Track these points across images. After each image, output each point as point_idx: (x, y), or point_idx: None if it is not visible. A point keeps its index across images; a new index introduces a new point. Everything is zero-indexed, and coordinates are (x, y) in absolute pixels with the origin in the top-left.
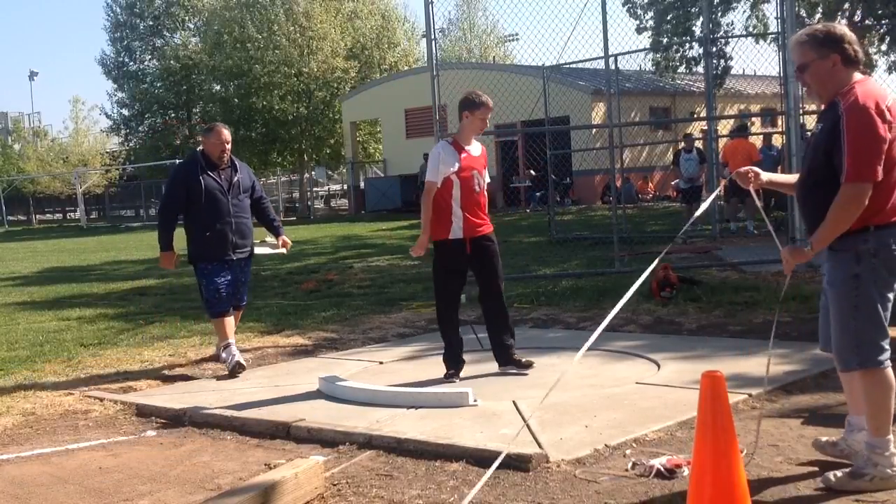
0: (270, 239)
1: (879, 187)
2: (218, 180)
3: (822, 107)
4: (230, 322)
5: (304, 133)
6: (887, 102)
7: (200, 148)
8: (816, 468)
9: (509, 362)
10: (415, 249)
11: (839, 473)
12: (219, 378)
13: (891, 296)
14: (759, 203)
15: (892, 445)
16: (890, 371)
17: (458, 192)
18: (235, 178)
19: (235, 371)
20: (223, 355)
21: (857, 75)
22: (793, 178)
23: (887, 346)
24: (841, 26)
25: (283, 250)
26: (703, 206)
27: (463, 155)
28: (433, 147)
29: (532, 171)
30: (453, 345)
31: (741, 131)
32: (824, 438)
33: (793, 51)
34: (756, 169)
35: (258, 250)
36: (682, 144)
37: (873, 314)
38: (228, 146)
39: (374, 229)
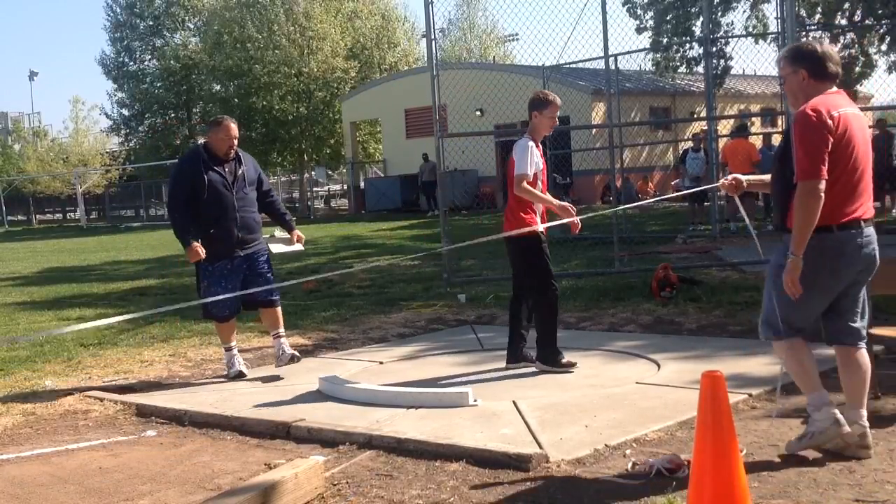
0: (280, 233)
1: (834, 189)
2: (222, 174)
3: None
4: (231, 325)
5: (304, 133)
6: (840, 111)
7: (202, 141)
8: (816, 467)
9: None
10: (574, 227)
11: (793, 441)
12: (226, 377)
13: (827, 292)
14: (741, 209)
15: (822, 399)
16: (797, 340)
17: (539, 189)
18: (240, 171)
19: (236, 379)
20: (224, 359)
21: (833, 88)
22: (768, 176)
23: (802, 327)
24: (818, 43)
25: (299, 246)
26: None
27: (540, 155)
28: (518, 141)
29: None
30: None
31: (741, 131)
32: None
33: (777, 64)
34: (738, 176)
35: (272, 248)
36: (689, 143)
37: (794, 300)
38: (236, 142)
39: (374, 229)
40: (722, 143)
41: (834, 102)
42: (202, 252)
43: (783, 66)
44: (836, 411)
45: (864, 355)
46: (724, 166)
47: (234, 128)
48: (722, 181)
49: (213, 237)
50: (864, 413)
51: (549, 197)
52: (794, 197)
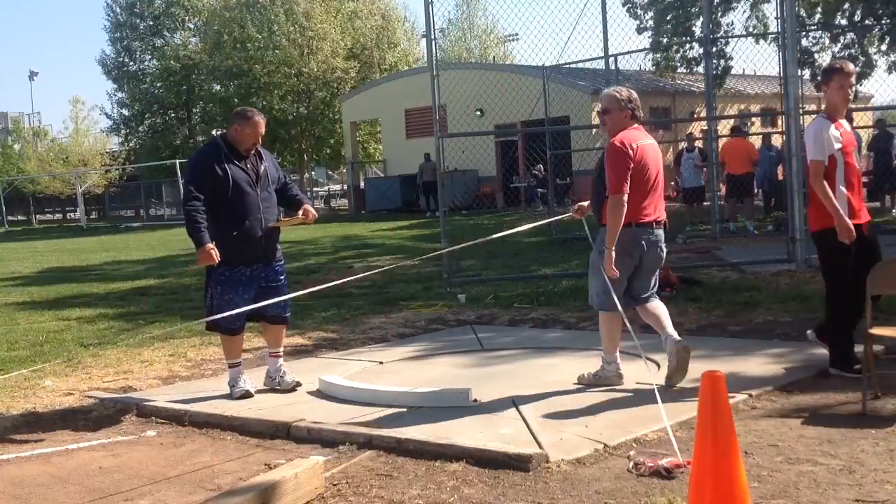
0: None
1: (634, 199)
2: (245, 170)
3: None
4: (241, 339)
5: (304, 133)
6: (639, 143)
7: (220, 132)
8: (816, 467)
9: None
10: (842, 234)
11: (585, 375)
12: (229, 396)
13: (626, 273)
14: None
15: (614, 359)
16: (617, 314)
17: (842, 171)
18: (262, 168)
19: (241, 399)
20: (230, 377)
21: (635, 125)
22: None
23: (615, 299)
24: (631, 90)
25: (301, 217)
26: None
27: (840, 130)
28: (809, 125)
29: (541, 167)
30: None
31: (738, 131)
32: (586, 373)
33: (602, 98)
34: (582, 204)
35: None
36: (682, 145)
37: (611, 280)
38: (261, 139)
39: (374, 229)
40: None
41: (636, 136)
42: (216, 256)
43: (611, 103)
44: (619, 367)
45: (654, 303)
46: (723, 165)
47: (262, 124)
48: (571, 211)
49: (234, 240)
50: (674, 333)
51: (832, 203)
52: (607, 205)
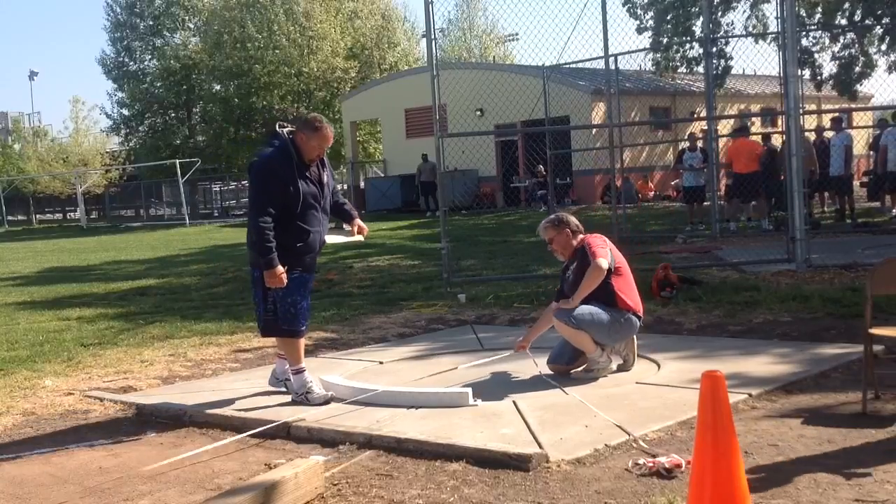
0: (346, 226)
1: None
2: (313, 183)
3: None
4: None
5: None
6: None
7: (288, 131)
8: (816, 467)
9: None
10: None
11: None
12: (307, 402)
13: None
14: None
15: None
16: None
17: None
18: (325, 179)
19: (326, 404)
20: (297, 381)
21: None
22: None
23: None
24: (566, 214)
25: (360, 237)
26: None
27: None
28: None
29: (542, 167)
30: None
31: (742, 131)
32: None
33: (543, 232)
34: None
35: (330, 239)
36: (683, 144)
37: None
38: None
39: (375, 229)
40: (722, 142)
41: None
42: (285, 280)
43: (548, 232)
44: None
45: None
46: (728, 165)
47: (331, 137)
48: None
49: (297, 250)
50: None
51: None
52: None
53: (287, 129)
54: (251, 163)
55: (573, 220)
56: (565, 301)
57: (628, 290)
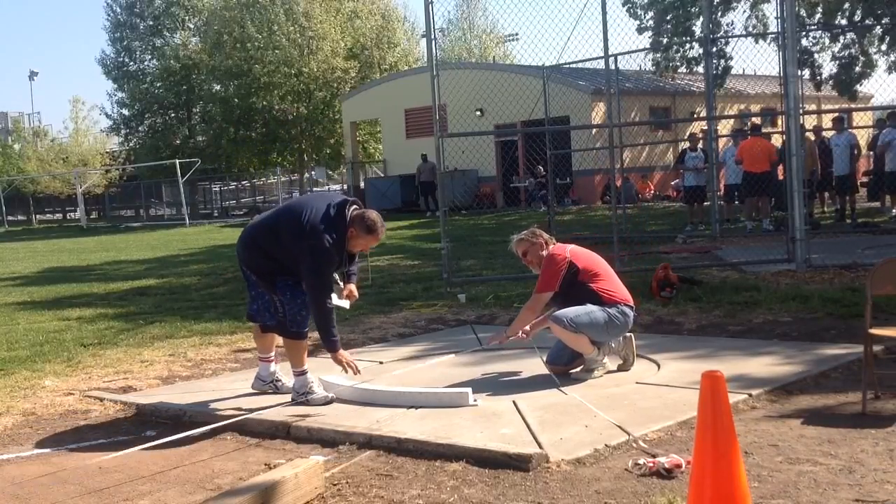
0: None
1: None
2: (342, 262)
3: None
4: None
5: (303, 133)
6: (569, 249)
7: (351, 214)
8: (816, 467)
9: None
10: None
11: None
12: (306, 402)
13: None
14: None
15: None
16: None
17: None
18: (357, 258)
19: (326, 404)
20: (299, 382)
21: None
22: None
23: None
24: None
25: (346, 303)
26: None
27: None
28: None
29: (542, 168)
30: None
31: (756, 130)
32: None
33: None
34: (526, 328)
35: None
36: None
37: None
38: None
39: None
40: (722, 143)
41: (563, 248)
42: (353, 361)
43: (522, 245)
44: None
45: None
46: (739, 164)
47: (381, 239)
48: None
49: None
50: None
51: None
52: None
53: (353, 209)
54: (315, 236)
55: (544, 234)
56: (520, 322)
57: (611, 286)
